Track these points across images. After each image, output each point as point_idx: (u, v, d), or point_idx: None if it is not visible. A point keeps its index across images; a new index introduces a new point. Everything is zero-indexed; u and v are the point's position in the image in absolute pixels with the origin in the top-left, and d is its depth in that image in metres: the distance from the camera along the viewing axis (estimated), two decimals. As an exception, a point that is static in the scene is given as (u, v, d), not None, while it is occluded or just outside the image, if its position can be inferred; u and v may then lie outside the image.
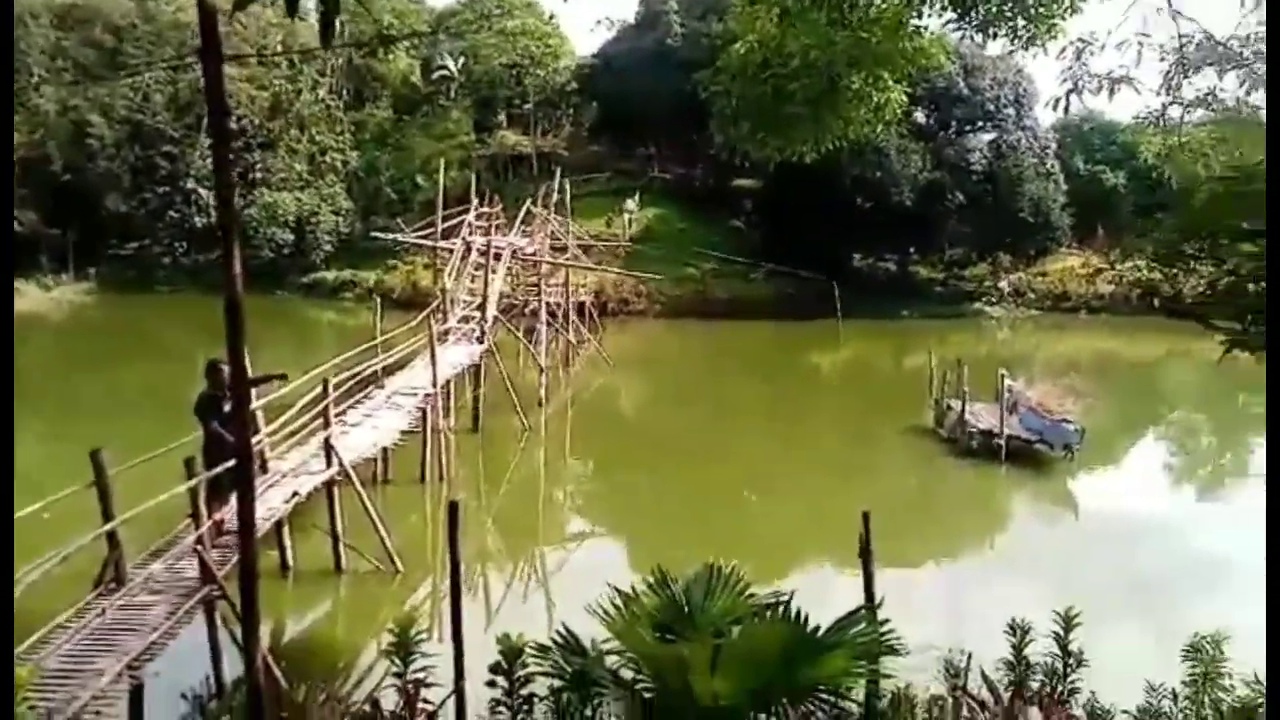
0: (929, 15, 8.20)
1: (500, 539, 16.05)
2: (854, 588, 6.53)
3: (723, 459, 21.00)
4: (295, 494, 11.96)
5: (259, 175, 51.14)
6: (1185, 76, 8.40)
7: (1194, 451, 24.78)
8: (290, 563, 12.74)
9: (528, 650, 4.88)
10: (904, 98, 9.09)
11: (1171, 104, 8.75)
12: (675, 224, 50.04)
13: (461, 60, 57.15)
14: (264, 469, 12.58)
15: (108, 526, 9.16)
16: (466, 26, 57.11)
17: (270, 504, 11.78)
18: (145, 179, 49.73)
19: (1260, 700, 5.66)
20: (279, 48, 50.88)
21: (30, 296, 47.47)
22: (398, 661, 5.91)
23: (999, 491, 19.20)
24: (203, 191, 49.39)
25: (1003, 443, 19.42)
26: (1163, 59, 8.40)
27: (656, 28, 53.14)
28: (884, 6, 8.08)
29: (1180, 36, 8.15)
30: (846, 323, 39.14)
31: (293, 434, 13.96)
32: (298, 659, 10.56)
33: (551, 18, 58.52)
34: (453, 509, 6.45)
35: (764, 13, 8.73)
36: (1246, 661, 6.17)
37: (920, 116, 44.62)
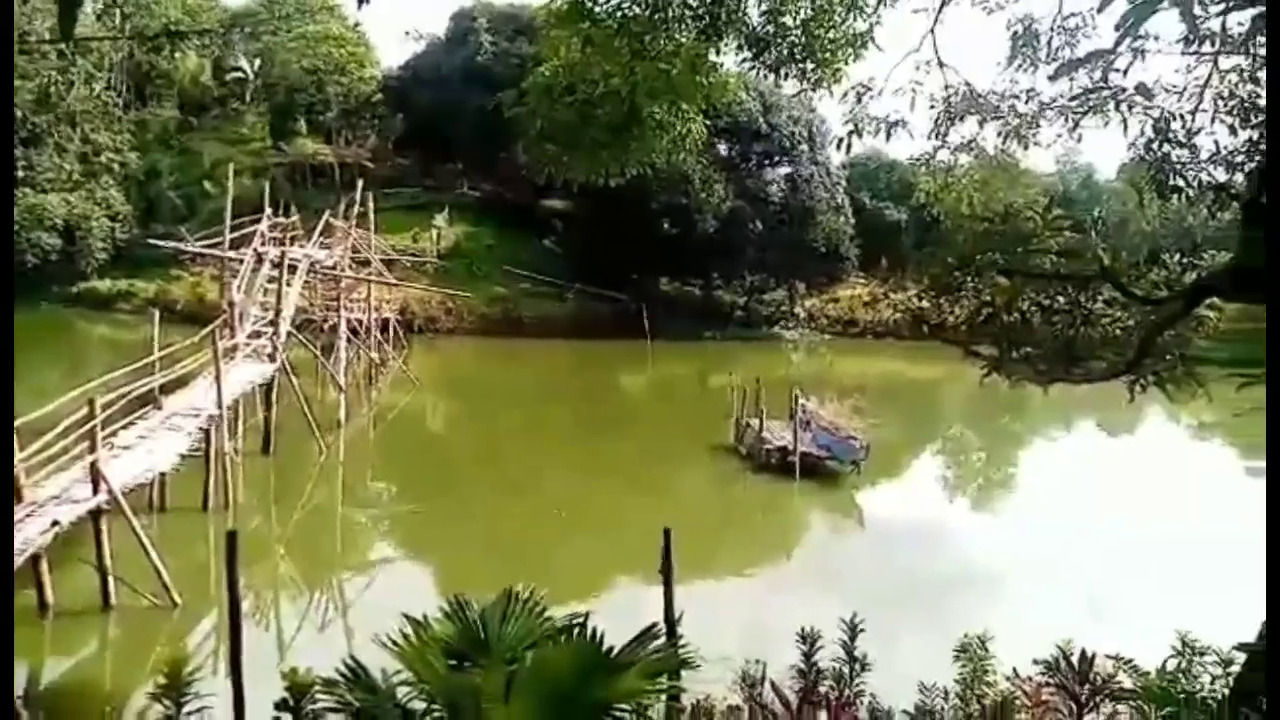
0: (726, 52, 8.59)
1: (294, 567, 15.22)
2: (659, 604, 6.67)
3: (531, 480, 20.92)
4: (55, 523, 10.87)
5: (22, 174, 46.40)
6: (951, 123, 9.20)
7: (966, 466, 27.04)
8: (50, 600, 11.53)
9: (316, 685, 4.64)
10: (704, 129, 9.48)
11: (940, 148, 9.55)
12: (485, 241, 49.60)
13: (258, 62, 54.43)
14: (19, 498, 11.34)
15: None
16: (263, 26, 54.43)
17: (26, 535, 10.64)
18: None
19: (1016, 694, 6.20)
20: (46, 35, 46.51)
21: None
22: (168, 704, 5.46)
23: (793, 505, 20.18)
24: (-49, 189, 44.29)
25: (796, 459, 20.44)
26: (933, 106, 9.18)
27: (466, 44, 52.66)
28: (682, 41, 8.37)
29: (947, 87, 8.93)
30: (654, 344, 40.09)
31: (53, 459, 12.66)
32: (58, 707, 9.60)
33: (356, 25, 56.80)
34: (230, 538, 6.07)
35: (568, 38, 8.85)
36: (1009, 658, 6.78)
37: (723, 149, 46.51)
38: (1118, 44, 5.72)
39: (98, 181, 48.87)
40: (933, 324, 7.12)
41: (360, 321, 30.41)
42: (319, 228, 30.90)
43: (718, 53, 8.59)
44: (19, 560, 10.19)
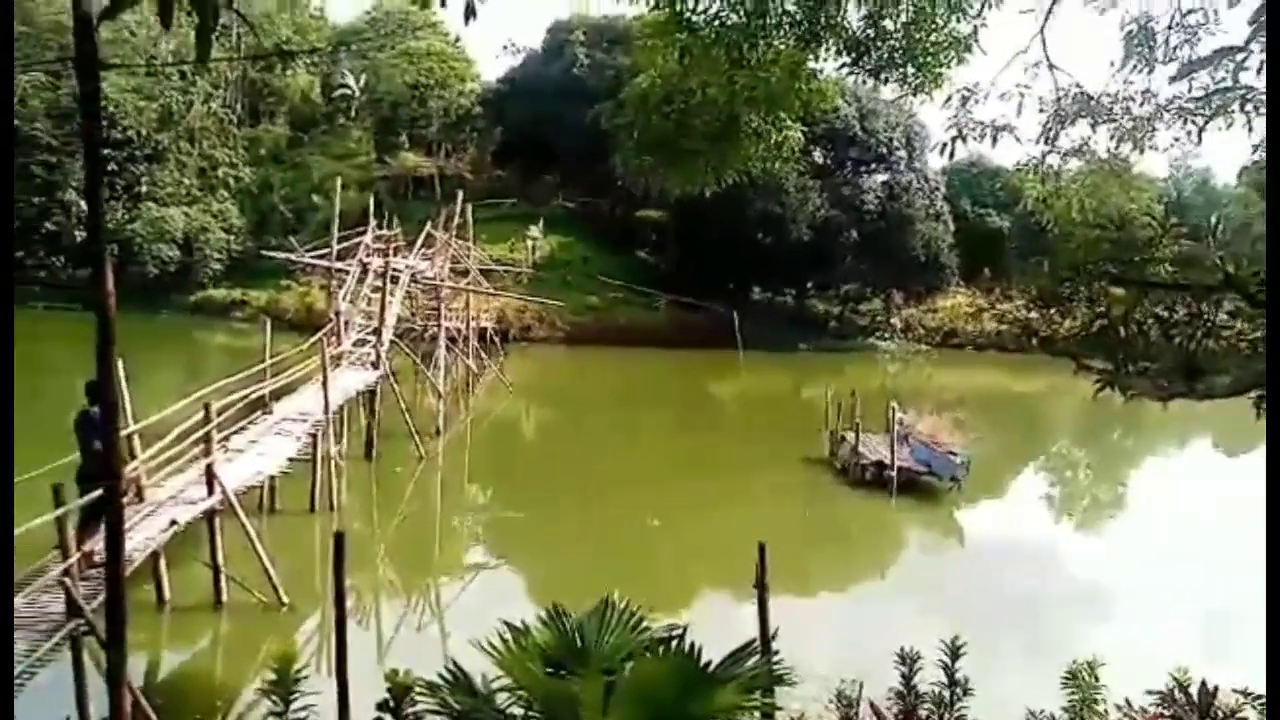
0: (825, 59, 8.47)
1: (394, 570, 15.60)
2: (752, 618, 6.59)
3: (623, 488, 21.00)
4: (173, 523, 11.38)
5: (145, 189, 49.09)
6: (1062, 127, 8.88)
7: (1073, 484, 25.99)
8: (167, 596, 12.09)
9: (416, 688, 4.73)
10: (801, 136, 9.37)
11: (1050, 153, 9.22)
12: (580, 251, 50.19)
13: (363, 79, 56.31)
14: (140, 497, 11.94)
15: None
16: (368, 44, 56.33)
17: (146, 534, 11.18)
18: (20, 188, 47.13)
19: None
20: (170, 58, 49.11)
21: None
22: (277, 700, 5.65)
23: (890, 521, 19.72)
24: (83, 203, 47.07)
25: (893, 474, 19.98)
26: (1041, 110, 8.88)
27: (562, 57, 53.48)
28: (781, 49, 8.28)
29: (1057, 90, 8.62)
30: (746, 353, 39.83)
31: (171, 460, 13.29)
32: (173, 697, 10.04)
33: (457, 40, 58.30)
34: (338, 540, 6.25)
35: (665, 49, 8.86)
36: (1119, 686, 6.46)
37: (818, 155, 46.03)
38: (1249, 40, 5.42)
39: (214, 195, 51.35)
40: (1042, 336, 6.87)
41: (459, 330, 31.09)
42: (421, 239, 31.75)
43: (816, 59, 8.48)
44: (140, 557, 10.69)
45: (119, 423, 7.09)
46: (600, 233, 50.92)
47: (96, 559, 10.49)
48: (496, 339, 37.46)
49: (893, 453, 20.18)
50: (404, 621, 13.65)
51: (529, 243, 49.16)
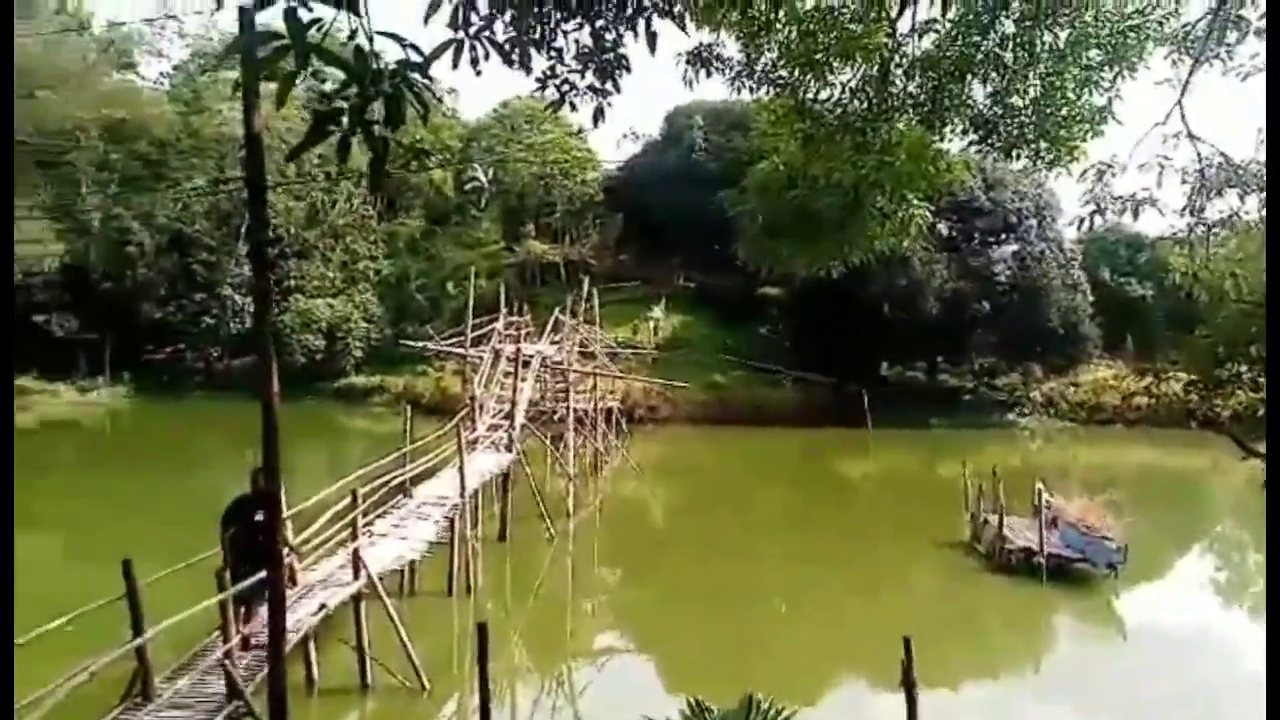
0: (951, 138, 8.45)
1: (527, 654, 15.73)
2: (894, 713, 6.35)
3: (753, 570, 20.66)
4: (323, 607, 11.86)
5: (293, 283, 52.42)
6: (1207, 199, 8.55)
7: (1241, 569, 24.05)
8: (316, 678, 12.52)
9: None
10: (928, 214, 9.31)
11: (1196, 225, 8.86)
12: (701, 330, 50.55)
13: (492, 172, 58.99)
14: (293, 581, 12.50)
15: (137, 641, 9.11)
16: (497, 140, 59.17)
17: (298, 616, 11.67)
18: (183, 285, 51.13)
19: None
20: (316, 160, 52.82)
21: (66, 400, 48.41)
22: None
23: (1041, 610, 18.62)
24: (238, 298, 50.68)
25: (1043, 560, 18.96)
26: (1184, 181, 8.58)
27: (681, 143, 54.91)
28: (905, 131, 8.31)
29: (1200, 160, 8.33)
30: (875, 431, 38.92)
31: (322, 544, 13.92)
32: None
33: (579, 131, 60.57)
34: (481, 631, 6.39)
35: (787, 135, 9.02)
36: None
37: (944, 228, 45.27)
38: None
39: (356, 287, 54.38)
40: (1203, 418, 6.54)
41: (586, 412, 31.61)
42: (549, 325, 32.71)
43: (942, 138, 8.47)
44: (293, 640, 11.14)
45: (281, 510, 7.48)
46: (722, 311, 51.23)
47: (253, 641, 11.02)
48: (623, 420, 37.86)
49: (1041, 537, 19.17)
50: (538, 706, 13.69)
51: (651, 324, 49.87)
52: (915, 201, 8.92)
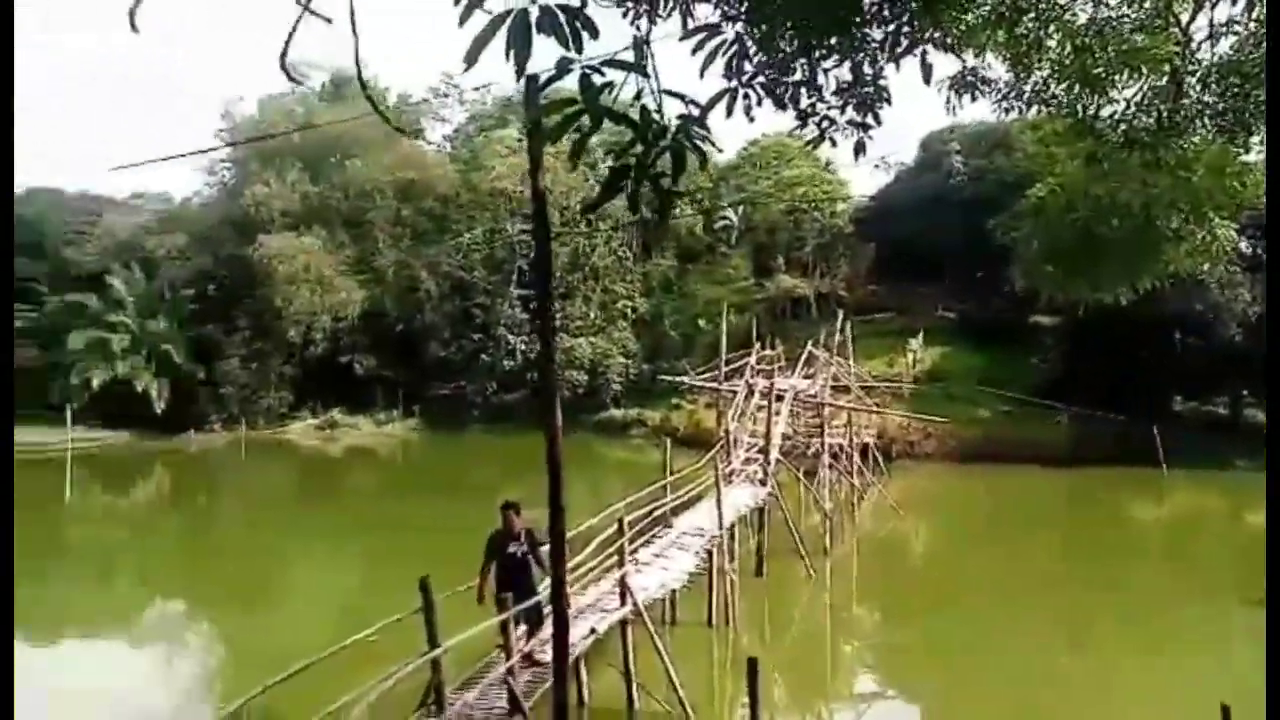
0: (1257, 149, 7.66)
1: (786, 691, 15.60)
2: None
3: (1025, 620, 19.27)
4: (593, 631, 12.43)
5: (558, 322, 55.73)
6: None
7: None
8: (586, 699, 13.11)
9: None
10: (1233, 234, 8.46)
11: None
12: (964, 363, 48.14)
13: (741, 209, 59.82)
14: (566, 602, 13.18)
15: (434, 653, 9.98)
16: (747, 178, 59.95)
17: (570, 640, 12.29)
18: (462, 327, 55.71)
19: None
20: (578, 207, 56.03)
21: (366, 431, 54.15)
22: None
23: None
24: (511, 338, 54.50)
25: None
26: None
27: (938, 167, 53.06)
28: (1203, 145, 7.63)
29: None
30: (1168, 471, 35.24)
31: (586, 571, 14.60)
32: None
33: (828, 164, 60.08)
34: (752, 667, 6.46)
35: (1064, 156, 8.55)
36: None
37: (1245, 246, 40.38)
38: None
39: (614, 325, 56.82)
40: None
41: (841, 447, 31.05)
42: (802, 359, 32.56)
43: (1246, 149, 7.70)
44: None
45: (564, 538, 7.99)
46: (986, 342, 48.51)
47: (529, 660, 11.75)
48: (879, 456, 36.79)
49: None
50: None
51: (909, 356, 48.17)
52: (1218, 220, 8.17)
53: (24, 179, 76.59)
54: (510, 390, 54.16)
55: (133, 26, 3.75)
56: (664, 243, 61.24)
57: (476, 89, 61.22)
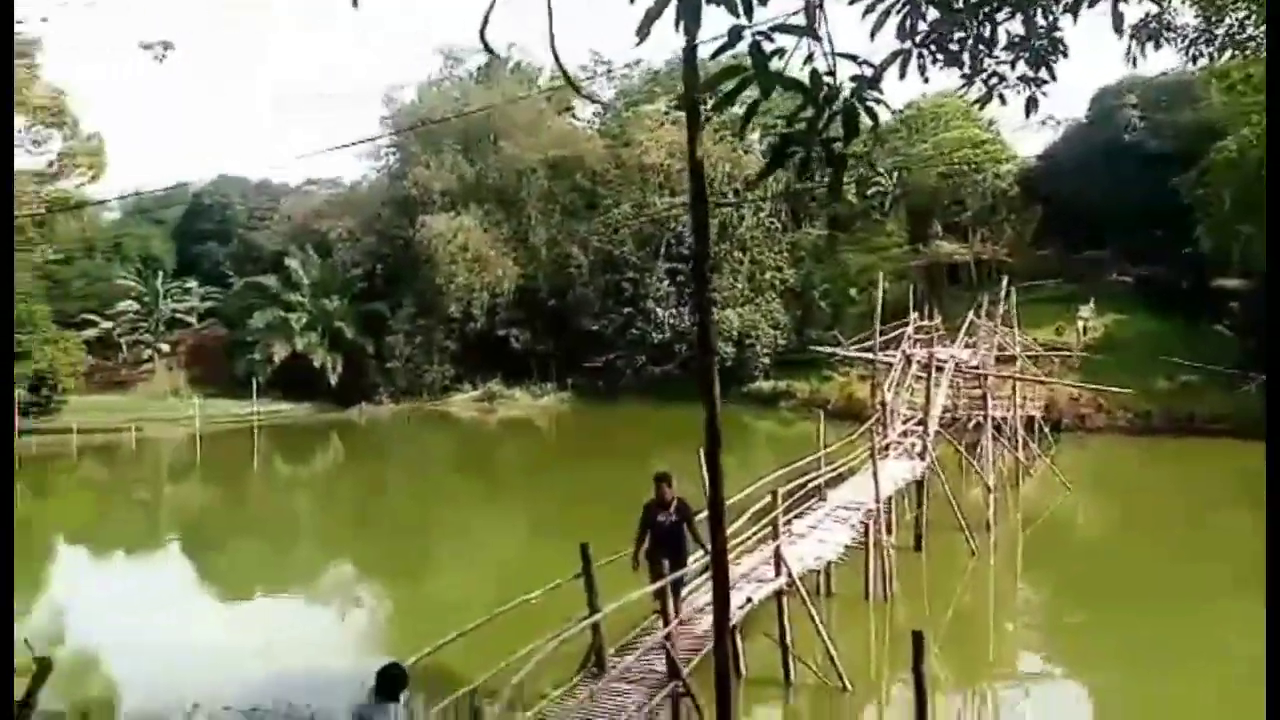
0: None
1: (948, 667, 15.21)
2: None
3: (1213, 608, 17.89)
4: (749, 600, 12.50)
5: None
6: None
7: None
8: (742, 669, 13.22)
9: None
10: None
11: None
12: (1140, 330, 45.11)
13: (895, 175, 57.91)
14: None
15: (595, 617, 10.30)
16: (903, 141, 57.93)
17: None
18: (612, 301, 56.53)
19: None
20: (726, 178, 55.65)
21: (522, 402, 56.01)
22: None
23: None
24: (659, 311, 54.90)
25: None
26: None
27: (1111, 123, 49.70)
28: None
29: None
30: (1378, 447, 32.03)
31: (740, 543, 14.65)
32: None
33: (991, 124, 57.24)
34: (918, 640, 6.36)
35: (1258, 107, 7.87)
36: None
37: None
38: None
39: (763, 296, 56.27)
40: None
41: (1004, 419, 29.80)
42: (964, 327, 31.36)
43: None
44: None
45: (722, 508, 8.06)
46: (1164, 307, 45.20)
47: (684, 627, 11.93)
48: (1047, 428, 35.09)
49: None
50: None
51: (1079, 324, 45.51)
52: None
53: (212, 169, 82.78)
54: (659, 363, 54.65)
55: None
56: (814, 212, 60.08)
57: (626, 65, 61.45)
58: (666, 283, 55.44)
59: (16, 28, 23.30)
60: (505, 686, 8.79)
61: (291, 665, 14.57)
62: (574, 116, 65.45)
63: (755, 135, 54.18)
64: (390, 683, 7.21)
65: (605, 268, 56.92)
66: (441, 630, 9.44)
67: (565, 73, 5.16)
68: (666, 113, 56.64)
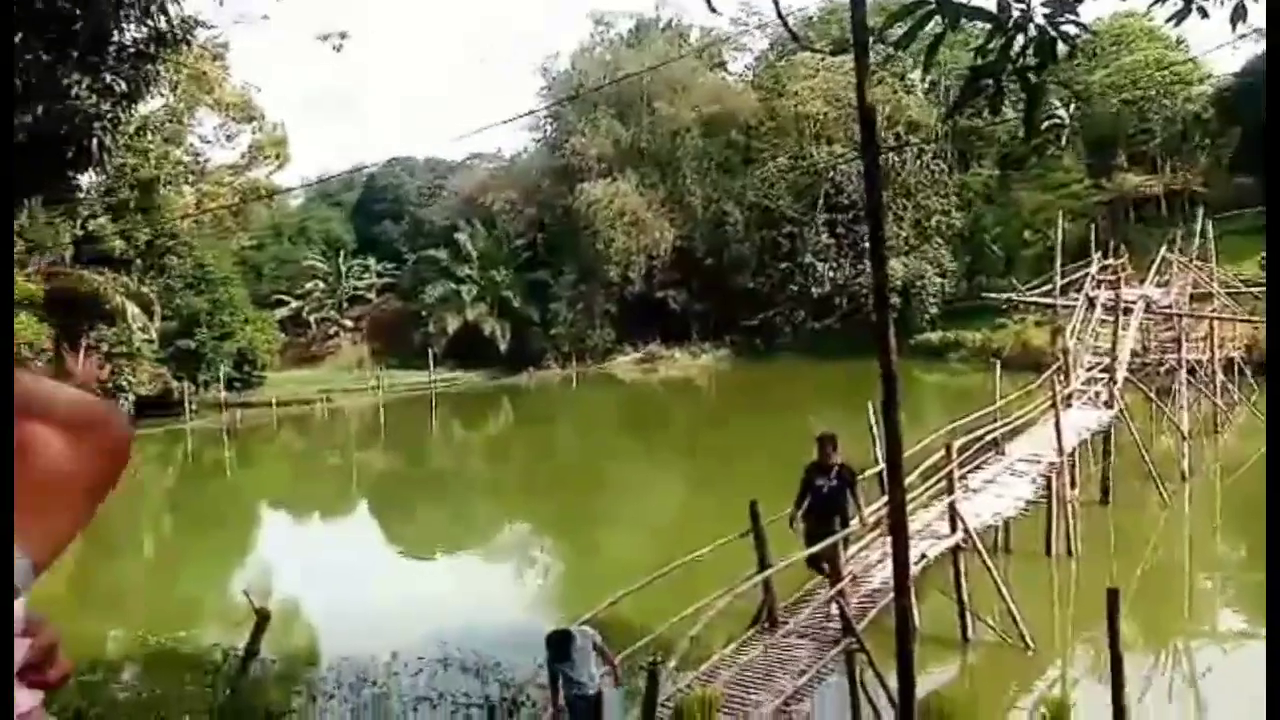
0: None
1: (1140, 625, 14.41)
2: None
3: None
4: (924, 556, 12.23)
5: (866, 245, 53.97)
6: None
7: None
8: (917, 625, 12.97)
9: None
10: None
11: None
12: (1361, 260, 40.59)
13: (1072, 106, 54.02)
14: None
15: (766, 573, 10.38)
16: (1080, 69, 53.95)
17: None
18: (769, 257, 55.84)
19: None
20: (886, 121, 53.47)
21: (682, 362, 56.47)
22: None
23: None
24: (819, 265, 53.84)
25: None
26: None
27: (1325, 28, 44.51)
28: None
29: None
30: None
31: (912, 498, 14.30)
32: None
33: (1180, 42, 52.43)
34: (1112, 598, 6.08)
35: None
36: None
37: None
38: None
39: (929, 243, 54.13)
40: None
41: (1200, 362, 27.63)
42: (1154, 265, 29.19)
43: None
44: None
45: (900, 473, 7.91)
46: (1392, 233, 40.48)
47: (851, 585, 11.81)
48: (1248, 371, 32.32)
49: None
50: (1150, 684, 12.50)
51: (1286, 255, 41.41)
52: None
53: (384, 151, 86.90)
54: (819, 318, 53.73)
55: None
56: (982, 151, 57.05)
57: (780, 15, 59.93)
58: (825, 235, 54.24)
59: (210, 33, 25.03)
60: (680, 639, 9.01)
61: (475, 619, 15.41)
62: (726, 71, 64.60)
63: (915, 75, 51.87)
64: (559, 644, 7.75)
65: (762, 223, 56.22)
66: (612, 586, 9.78)
67: (785, 21, 5.09)
68: (823, 59, 54.96)
